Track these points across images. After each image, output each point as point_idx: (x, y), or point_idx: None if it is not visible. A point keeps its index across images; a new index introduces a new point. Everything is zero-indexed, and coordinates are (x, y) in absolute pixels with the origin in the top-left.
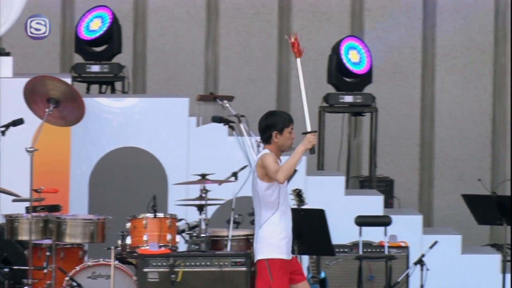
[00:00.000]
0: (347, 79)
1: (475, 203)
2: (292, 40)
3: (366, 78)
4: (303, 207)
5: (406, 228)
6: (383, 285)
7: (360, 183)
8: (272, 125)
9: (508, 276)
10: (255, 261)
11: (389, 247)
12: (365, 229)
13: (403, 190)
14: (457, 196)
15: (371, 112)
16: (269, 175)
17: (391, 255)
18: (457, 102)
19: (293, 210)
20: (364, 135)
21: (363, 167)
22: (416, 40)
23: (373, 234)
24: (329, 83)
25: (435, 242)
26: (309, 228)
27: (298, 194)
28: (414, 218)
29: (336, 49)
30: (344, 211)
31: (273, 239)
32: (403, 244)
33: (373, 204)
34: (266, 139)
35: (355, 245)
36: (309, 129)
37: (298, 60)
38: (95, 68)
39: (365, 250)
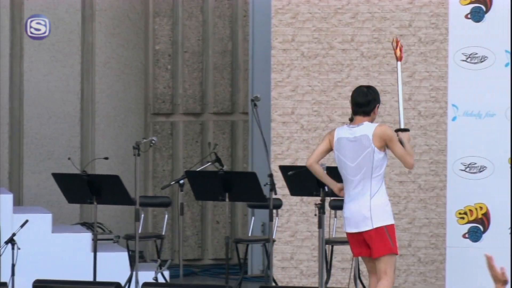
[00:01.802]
0: None
1: (65, 181)
2: (400, 45)
3: None
4: None
5: None
6: None
7: None
8: (377, 98)
9: (99, 254)
10: (367, 229)
11: None
12: None
13: None
14: (47, 174)
15: None
16: (402, 154)
17: None
18: (46, 81)
19: None
20: None
21: None
22: (4, 19)
23: None
24: None
25: (26, 221)
26: None
27: None
28: (4, 197)
29: None
30: None
31: (387, 206)
32: None
33: None
34: (367, 112)
35: None
36: (403, 126)
37: (399, 63)
38: None
39: None
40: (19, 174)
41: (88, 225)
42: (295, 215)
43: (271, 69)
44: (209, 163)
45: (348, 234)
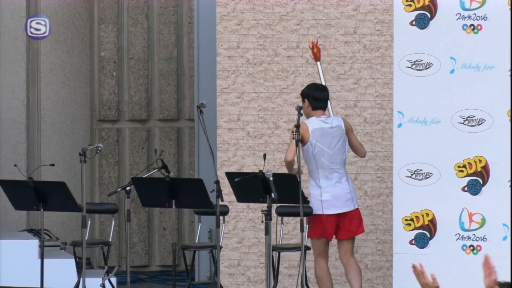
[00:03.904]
0: None
1: (11, 188)
2: (316, 46)
3: None
4: None
5: None
6: None
7: None
8: None
9: (46, 261)
10: (351, 209)
11: None
12: None
13: None
14: None
15: None
16: (359, 143)
17: None
18: None
19: None
20: None
21: None
22: None
23: None
24: None
25: None
26: None
27: None
28: None
29: None
30: None
31: None
32: None
33: None
34: (326, 106)
35: None
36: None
37: (318, 63)
38: None
39: None
40: None
41: (35, 232)
42: (242, 221)
43: (216, 75)
44: (156, 170)
45: (327, 216)
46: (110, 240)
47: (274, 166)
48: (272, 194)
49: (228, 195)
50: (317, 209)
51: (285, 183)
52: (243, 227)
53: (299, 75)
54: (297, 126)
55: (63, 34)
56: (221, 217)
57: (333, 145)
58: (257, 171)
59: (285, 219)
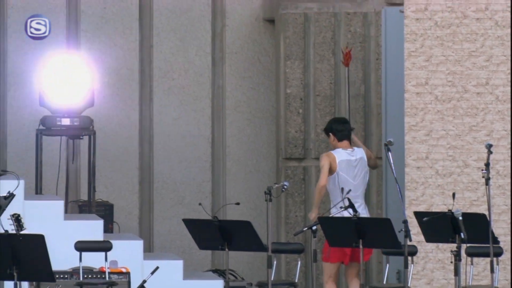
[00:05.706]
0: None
1: (196, 227)
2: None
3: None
4: (22, 232)
5: (127, 253)
6: None
7: (79, 207)
8: None
9: None
10: None
11: (110, 273)
12: (85, 254)
13: (123, 215)
14: (177, 220)
15: (89, 134)
16: (372, 158)
17: (112, 281)
18: (176, 124)
19: (11, 235)
20: (82, 158)
21: (82, 191)
22: (133, 62)
23: (94, 260)
24: (42, 105)
25: (156, 268)
26: (28, 254)
27: (17, 219)
28: (134, 243)
29: None
30: (64, 236)
31: None
32: (124, 270)
33: (93, 229)
34: (350, 136)
35: (75, 271)
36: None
37: (347, 69)
38: None
39: (85, 276)
40: (149, 219)
41: (219, 272)
42: (431, 262)
43: (404, 113)
44: (342, 209)
45: None
46: (296, 280)
47: (464, 205)
48: (462, 234)
49: (417, 235)
50: None
51: (475, 223)
52: (432, 267)
53: (489, 112)
54: (487, 164)
55: (248, 70)
56: (409, 258)
57: (358, 176)
58: (446, 210)
59: (475, 259)
